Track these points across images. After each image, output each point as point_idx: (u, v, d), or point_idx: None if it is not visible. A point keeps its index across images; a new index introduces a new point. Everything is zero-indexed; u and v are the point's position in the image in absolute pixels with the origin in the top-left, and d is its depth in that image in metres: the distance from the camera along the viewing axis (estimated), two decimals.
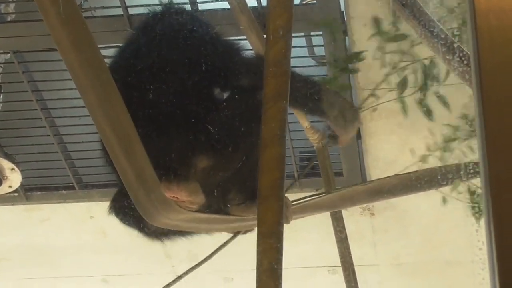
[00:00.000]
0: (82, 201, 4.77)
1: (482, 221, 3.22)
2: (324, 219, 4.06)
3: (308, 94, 2.71)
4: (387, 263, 5.06)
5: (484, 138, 1.28)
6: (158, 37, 2.72)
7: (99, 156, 2.73)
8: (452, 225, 4.56)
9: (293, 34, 2.15)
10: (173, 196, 2.55)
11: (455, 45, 2.74)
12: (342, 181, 4.37)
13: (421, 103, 3.34)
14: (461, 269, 4.88)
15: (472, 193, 3.24)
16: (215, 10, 3.89)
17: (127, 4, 3.98)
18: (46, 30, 2.22)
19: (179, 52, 2.68)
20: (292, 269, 4.94)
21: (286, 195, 2.21)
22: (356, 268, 3.95)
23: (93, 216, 4.85)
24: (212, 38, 2.79)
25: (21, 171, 4.45)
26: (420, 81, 3.33)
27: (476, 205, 3.28)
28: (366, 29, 3.71)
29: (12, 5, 4.16)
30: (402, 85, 3.33)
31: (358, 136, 4.35)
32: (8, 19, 4.14)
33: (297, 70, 2.86)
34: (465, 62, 2.60)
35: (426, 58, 3.36)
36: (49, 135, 4.45)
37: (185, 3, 3.90)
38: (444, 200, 3.28)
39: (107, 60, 2.60)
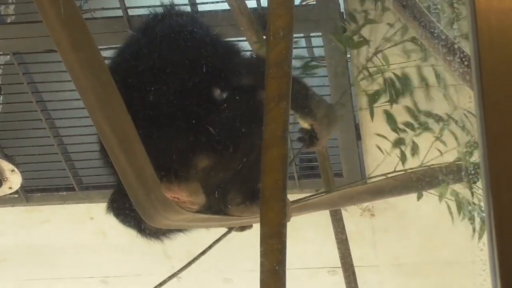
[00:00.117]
0: (82, 202, 4.76)
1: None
2: (324, 220, 4.06)
3: (297, 92, 2.71)
4: (387, 264, 5.06)
5: (484, 138, 1.28)
6: (158, 38, 2.72)
7: (99, 157, 2.73)
8: (452, 225, 4.56)
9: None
10: (174, 197, 2.55)
11: (456, 46, 2.74)
12: (342, 182, 4.37)
13: (387, 114, 3.30)
14: (462, 269, 4.88)
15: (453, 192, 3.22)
16: (215, 11, 3.89)
17: (127, 5, 3.98)
18: (46, 31, 2.22)
19: (179, 53, 2.68)
20: (292, 270, 4.93)
21: None
22: (356, 269, 3.95)
23: (93, 217, 4.85)
24: (212, 39, 2.79)
25: (21, 172, 4.45)
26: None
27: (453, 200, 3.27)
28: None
29: (12, 7, 4.16)
30: (375, 96, 3.28)
31: (358, 136, 4.35)
32: (8, 21, 4.14)
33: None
34: (466, 63, 2.60)
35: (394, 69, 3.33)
36: (49, 136, 4.45)
37: (185, 4, 3.89)
38: (440, 199, 3.27)
39: (107, 61, 2.60)
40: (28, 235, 5.00)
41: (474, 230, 3.22)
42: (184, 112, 2.59)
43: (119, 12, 3.99)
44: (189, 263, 3.53)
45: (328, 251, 4.63)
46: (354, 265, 3.93)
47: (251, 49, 3.44)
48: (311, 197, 3.15)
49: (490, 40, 1.30)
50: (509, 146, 1.28)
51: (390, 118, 3.23)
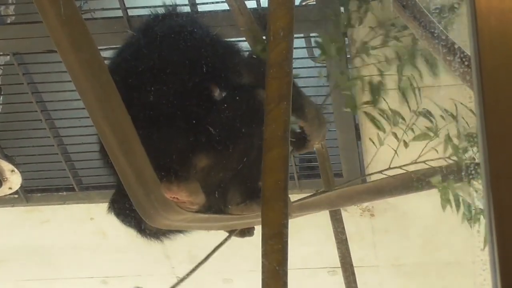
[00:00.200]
0: (82, 202, 4.76)
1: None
2: (324, 220, 4.05)
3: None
4: (387, 264, 5.06)
5: (485, 138, 1.28)
6: (158, 38, 2.72)
7: (99, 158, 2.73)
8: (453, 226, 4.56)
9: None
10: (174, 197, 2.55)
11: (456, 46, 2.74)
12: (342, 182, 4.36)
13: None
14: (462, 270, 4.88)
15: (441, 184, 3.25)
16: (215, 12, 3.89)
17: (127, 5, 3.98)
18: (46, 31, 2.22)
19: (178, 53, 2.68)
20: (292, 270, 4.93)
21: None
22: (356, 269, 3.94)
23: (93, 218, 4.85)
24: (212, 40, 2.79)
25: (21, 172, 4.45)
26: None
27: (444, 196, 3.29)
28: (365, 29, 3.71)
29: (12, 7, 4.16)
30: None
31: (358, 136, 4.35)
32: (8, 21, 4.14)
33: (295, 71, 2.86)
34: (466, 63, 2.60)
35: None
36: (49, 137, 4.45)
37: (185, 5, 3.89)
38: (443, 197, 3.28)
39: (106, 62, 2.61)
40: (28, 235, 5.00)
41: (471, 221, 3.24)
42: (184, 112, 2.59)
43: (119, 13, 3.99)
44: (193, 269, 3.53)
45: (328, 251, 4.62)
46: (354, 265, 3.93)
47: (251, 49, 3.44)
48: (311, 197, 3.15)
49: (490, 40, 1.30)
50: (509, 146, 1.28)
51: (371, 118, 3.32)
